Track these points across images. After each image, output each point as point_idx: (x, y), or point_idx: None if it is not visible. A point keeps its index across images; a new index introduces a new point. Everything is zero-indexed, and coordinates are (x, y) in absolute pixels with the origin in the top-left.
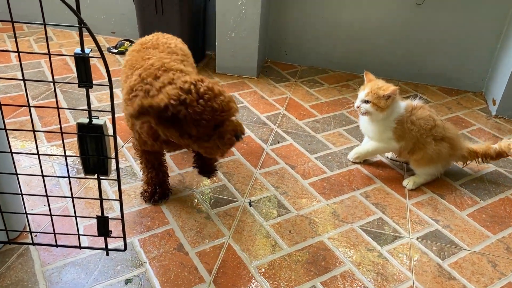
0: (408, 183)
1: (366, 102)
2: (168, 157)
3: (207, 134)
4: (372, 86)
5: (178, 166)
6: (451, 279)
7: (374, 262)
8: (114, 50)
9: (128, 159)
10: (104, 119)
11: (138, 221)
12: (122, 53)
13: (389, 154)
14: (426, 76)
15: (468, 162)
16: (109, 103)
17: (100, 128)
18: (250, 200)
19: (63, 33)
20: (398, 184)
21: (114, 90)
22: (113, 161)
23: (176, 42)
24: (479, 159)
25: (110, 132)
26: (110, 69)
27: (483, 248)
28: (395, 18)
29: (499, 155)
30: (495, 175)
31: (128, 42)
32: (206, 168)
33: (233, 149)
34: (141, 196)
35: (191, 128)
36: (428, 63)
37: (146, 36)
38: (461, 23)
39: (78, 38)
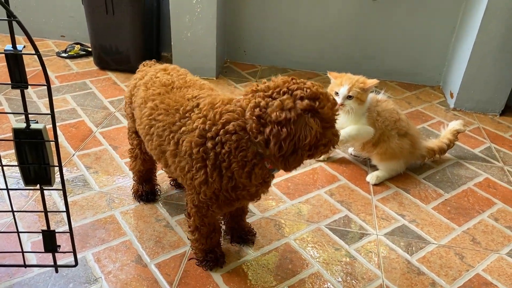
0: (372, 178)
1: (349, 97)
2: (123, 163)
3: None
4: (350, 80)
5: None
6: (420, 274)
7: (342, 261)
8: (64, 55)
9: (79, 168)
10: (43, 124)
11: (91, 233)
12: (72, 57)
13: (352, 150)
14: (385, 71)
15: (426, 160)
16: (59, 109)
17: (39, 133)
18: None
19: (8, 38)
20: (362, 180)
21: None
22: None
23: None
24: (437, 155)
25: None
26: (59, 74)
27: (450, 241)
28: (352, 15)
29: (451, 144)
30: (457, 166)
31: (79, 46)
32: (242, 231)
33: None
34: (201, 264)
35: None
36: (386, 59)
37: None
38: (416, 18)
39: (26, 42)
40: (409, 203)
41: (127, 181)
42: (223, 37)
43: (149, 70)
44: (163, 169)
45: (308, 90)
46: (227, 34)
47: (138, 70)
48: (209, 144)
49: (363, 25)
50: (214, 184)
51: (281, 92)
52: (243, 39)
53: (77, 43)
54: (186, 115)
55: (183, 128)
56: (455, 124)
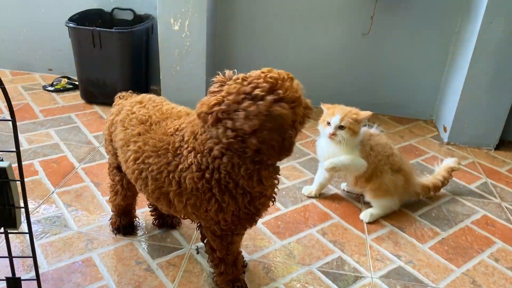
0: (365, 216)
1: (341, 127)
2: (104, 201)
3: None
4: (343, 110)
5: None
6: None
7: None
8: (50, 88)
9: (58, 206)
10: (8, 161)
11: (66, 278)
12: (58, 90)
13: (344, 186)
14: (376, 105)
15: (420, 197)
16: (41, 144)
17: (3, 172)
18: (198, 246)
19: None
20: (355, 218)
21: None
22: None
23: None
24: (431, 193)
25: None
26: (44, 107)
27: (449, 284)
28: (342, 49)
29: (445, 181)
30: (453, 203)
31: (66, 79)
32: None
33: None
34: None
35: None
36: (377, 92)
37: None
38: (407, 52)
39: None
40: (405, 243)
41: (107, 219)
42: (213, 70)
43: (125, 103)
44: (149, 206)
45: (265, 85)
46: (217, 67)
47: (114, 103)
48: (207, 175)
49: (354, 59)
50: (230, 207)
51: (238, 100)
52: (234, 72)
53: (64, 77)
54: (178, 152)
55: (180, 166)
56: (449, 162)
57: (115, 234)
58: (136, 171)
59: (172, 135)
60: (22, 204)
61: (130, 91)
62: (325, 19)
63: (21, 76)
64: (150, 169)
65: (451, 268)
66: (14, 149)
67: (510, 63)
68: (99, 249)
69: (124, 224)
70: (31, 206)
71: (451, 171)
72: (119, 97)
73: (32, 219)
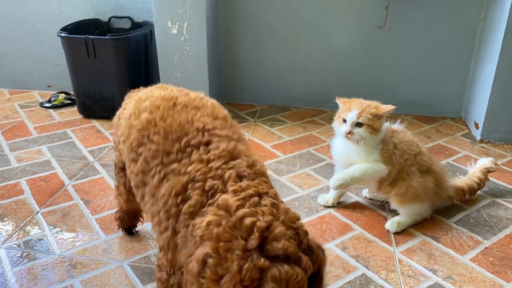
0: (392, 225)
1: (359, 125)
2: (93, 220)
3: None
4: (360, 105)
5: (104, 231)
6: None
7: None
8: (47, 105)
9: (42, 227)
10: None
11: None
12: (56, 106)
13: (366, 193)
14: (398, 104)
15: (454, 201)
16: (31, 162)
17: None
18: None
19: None
20: (381, 228)
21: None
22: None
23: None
24: (466, 196)
25: None
26: (38, 124)
27: None
28: (357, 44)
29: (482, 183)
30: (494, 206)
31: (64, 94)
32: None
33: None
34: None
35: None
36: (399, 90)
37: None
38: (428, 45)
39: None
40: (440, 255)
41: (94, 241)
42: (218, 76)
43: (139, 92)
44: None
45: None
46: (222, 73)
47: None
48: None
49: (370, 55)
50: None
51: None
52: (240, 78)
53: (62, 92)
54: (187, 150)
55: (174, 165)
56: (485, 162)
57: (121, 230)
58: (135, 142)
59: (198, 130)
60: None
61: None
62: (335, 13)
63: (20, 94)
64: (148, 146)
65: (500, 283)
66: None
67: None
68: (82, 275)
69: (127, 225)
70: (11, 228)
71: (487, 172)
72: (132, 91)
73: (10, 243)
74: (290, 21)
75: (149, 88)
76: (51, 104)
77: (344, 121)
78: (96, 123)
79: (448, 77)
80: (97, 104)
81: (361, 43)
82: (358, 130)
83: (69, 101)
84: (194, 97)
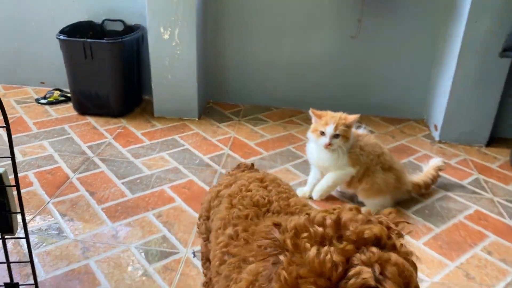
0: None
1: (336, 136)
2: (100, 209)
3: None
4: (334, 119)
5: (110, 219)
6: None
7: None
8: (43, 101)
9: (54, 215)
10: (3, 168)
11: (63, 285)
12: (51, 103)
13: (338, 187)
14: (368, 107)
15: (412, 194)
16: (35, 156)
17: None
18: (194, 250)
19: None
20: None
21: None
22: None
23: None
24: (422, 190)
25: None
26: (37, 120)
27: (443, 278)
28: (332, 51)
29: (434, 179)
30: (446, 199)
31: (58, 92)
32: None
33: (173, 194)
34: None
35: None
36: (369, 94)
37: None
38: (396, 53)
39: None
40: None
41: (103, 228)
42: (205, 78)
43: (240, 176)
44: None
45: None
46: (209, 75)
47: (227, 174)
48: None
49: (344, 62)
50: None
51: None
52: (226, 80)
53: (56, 89)
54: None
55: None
56: (436, 161)
57: None
58: (217, 262)
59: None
60: (18, 210)
61: (252, 163)
62: (313, 24)
63: (14, 90)
64: (228, 262)
65: (445, 263)
66: (9, 159)
67: (496, 61)
68: (95, 257)
69: None
70: (27, 217)
71: (438, 169)
72: (238, 166)
73: (28, 229)
74: (272, 30)
75: (249, 177)
76: (46, 100)
77: (322, 133)
78: (91, 119)
79: (413, 84)
80: (92, 103)
81: (336, 52)
82: (335, 141)
83: (64, 98)
84: (293, 204)
